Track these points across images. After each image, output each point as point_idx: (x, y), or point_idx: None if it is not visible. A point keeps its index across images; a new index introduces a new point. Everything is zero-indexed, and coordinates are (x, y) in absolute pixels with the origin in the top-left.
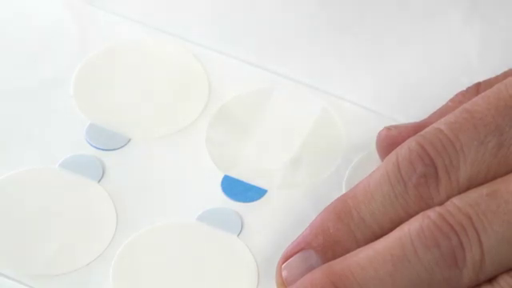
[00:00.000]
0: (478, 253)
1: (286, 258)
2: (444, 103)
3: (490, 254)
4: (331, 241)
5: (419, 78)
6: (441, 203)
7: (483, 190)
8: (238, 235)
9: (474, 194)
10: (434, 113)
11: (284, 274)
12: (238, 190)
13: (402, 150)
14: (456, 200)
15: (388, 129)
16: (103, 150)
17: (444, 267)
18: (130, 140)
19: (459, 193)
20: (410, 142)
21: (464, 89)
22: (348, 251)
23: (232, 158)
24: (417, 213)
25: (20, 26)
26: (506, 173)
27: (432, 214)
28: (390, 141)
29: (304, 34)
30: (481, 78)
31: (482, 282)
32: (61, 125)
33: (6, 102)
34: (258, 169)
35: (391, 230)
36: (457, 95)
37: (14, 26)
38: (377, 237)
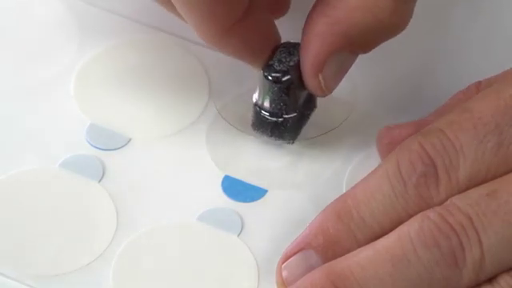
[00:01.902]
0: (477, 253)
1: (286, 258)
2: (444, 102)
3: (490, 253)
4: (331, 241)
5: (419, 77)
6: (441, 203)
7: (483, 190)
8: (238, 235)
9: (473, 194)
10: (434, 111)
11: (284, 273)
12: (238, 189)
13: (402, 150)
14: (456, 200)
15: (388, 127)
16: (103, 149)
17: (444, 267)
18: (130, 140)
19: (459, 192)
20: (410, 142)
21: (464, 88)
22: (348, 251)
23: (232, 157)
24: (417, 213)
25: (20, 25)
26: (506, 172)
27: (432, 213)
28: (390, 139)
29: None
30: (481, 78)
31: (481, 281)
32: (61, 125)
33: (6, 102)
34: (258, 169)
35: (391, 229)
36: (457, 94)
37: (14, 26)
38: (377, 236)
